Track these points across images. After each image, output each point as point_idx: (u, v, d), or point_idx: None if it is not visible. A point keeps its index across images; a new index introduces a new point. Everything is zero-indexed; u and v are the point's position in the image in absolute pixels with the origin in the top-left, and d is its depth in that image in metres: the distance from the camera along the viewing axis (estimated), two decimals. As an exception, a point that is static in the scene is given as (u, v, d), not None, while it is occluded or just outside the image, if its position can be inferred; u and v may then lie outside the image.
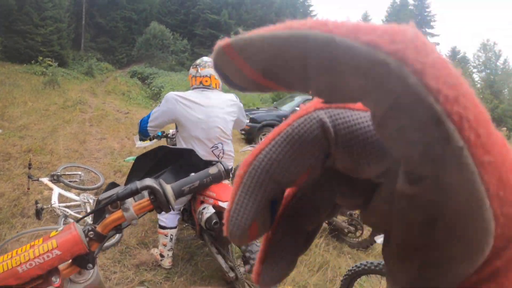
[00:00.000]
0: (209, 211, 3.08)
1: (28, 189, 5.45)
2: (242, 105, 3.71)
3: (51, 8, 28.96)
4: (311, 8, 57.85)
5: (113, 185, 1.17)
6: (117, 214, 1.03)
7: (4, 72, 19.17)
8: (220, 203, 2.95)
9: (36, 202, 4.53)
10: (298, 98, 13.64)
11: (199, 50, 41.74)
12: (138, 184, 1.03)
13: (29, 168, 5.43)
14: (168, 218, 3.51)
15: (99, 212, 1.10)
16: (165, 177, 1.31)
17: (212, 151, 3.34)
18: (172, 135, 4.05)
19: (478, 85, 34.66)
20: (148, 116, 3.44)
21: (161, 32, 37.12)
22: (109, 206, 1.05)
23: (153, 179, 1.06)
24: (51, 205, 4.74)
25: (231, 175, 1.84)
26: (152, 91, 24.43)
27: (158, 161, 1.36)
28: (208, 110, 3.19)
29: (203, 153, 3.20)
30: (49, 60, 22.29)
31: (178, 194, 1.09)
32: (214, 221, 3.03)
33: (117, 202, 1.06)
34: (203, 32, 42.96)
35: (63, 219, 4.51)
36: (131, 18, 41.81)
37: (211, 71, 3.19)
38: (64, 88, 18.65)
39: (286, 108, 13.08)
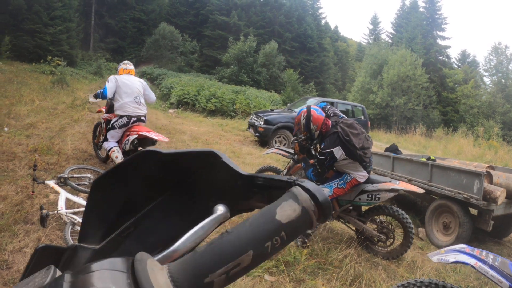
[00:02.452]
0: (132, 137, 5.93)
1: (33, 192, 5.09)
2: (146, 84, 6.59)
3: (60, 7, 28.91)
4: (320, 11, 57.60)
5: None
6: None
7: (13, 71, 19.01)
8: (142, 133, 5.87)
9: (41, 208, 4.16)
10: (312, 100, 13.36)
11: (208, 51, 41.58)
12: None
13: (34, 170, 5.02)
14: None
15: None
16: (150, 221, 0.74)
17: (135, 100, 6.08)
18: (110, 99, 6.20)
19: (489, 89, 34.21)
20: (105, 89, 5.94)
21: (171, 33, 36.97)
22: None
23: None
24: (57, 211, 4.38)
25: None
26: (162, 91, 24.25)
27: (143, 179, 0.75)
28: (131, 83, 6.15)
29: (130, 103, 6.02)
30: (58, 60, 22.13)
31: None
32: (135, 142, 5.97)
33: None
34: (212, 33, 42.72)
35: (70, 227, 4.16)
36: (140, 19, 41.71)
37: (132, 67, 6.49)
38: (72, 87, 18.45)
39: (299, 110, 12.72)
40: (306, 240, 4.65)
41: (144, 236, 0.71)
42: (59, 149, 7.58)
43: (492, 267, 2.36)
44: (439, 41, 41.23)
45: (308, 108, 4.62)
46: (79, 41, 33.33)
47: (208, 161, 0.68)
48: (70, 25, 30.14)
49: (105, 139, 6.41)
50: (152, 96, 6.60)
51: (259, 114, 12.36)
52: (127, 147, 5.99)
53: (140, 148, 6.00)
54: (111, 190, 0.70)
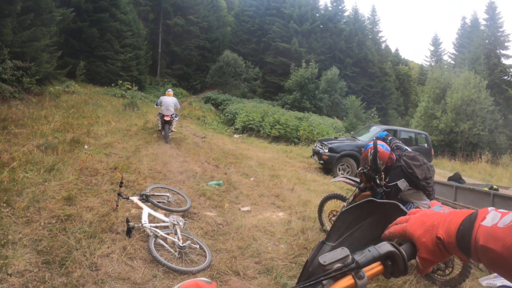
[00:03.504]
0: (162, 120, 12.99)
1: (117, 206, 5.51)
2: (176, 100, 13.23)
3: (130, 36, 30.54)
4: (380, 34, 56.94)
5: (322, 243, 1.13)
6: (348, 281, 0.89)
7: (87, 93, 20.13)
8: (165, 119, 12.74)
9: (127, 221, 4.55)
10: (375, 128, 13.30)
11: (270, 77, 42.10)
12: (380, 250, 0.92)
13: (120, 186, 5.50)
14: None
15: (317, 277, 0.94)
16: (360, 232, 1.17)
17: (166, 108, 12.59)
18: (156, 105, 13.62)
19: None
20: (157, 102, 13.45)
21: (234, 60, 37.77)
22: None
23: (389, 243, 0.94)
24: (141, 224, 4.80)
25: None
26: (226, 117, 24.65)
27: (361, 214, 1.20)
28: (166, 100, 12.89)
29: (164, 109, 12.63)
30: (129, 84, 23.24)
31: None
32: (164, 122, 12.95)
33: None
34: (274, 60, 43.28)
35: (153, 240, 4.52)
36: (205, 47, 43.07)
37: (171, 92, 13.68)
38: (143, 110, 19.21)
39: (363, 138, 12.66)
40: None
41: (355, 240, 1.11)
42: (136, 168, 7.83)
43: None
44: (503, 60, 38.90)
45: (375, 144, 4.80)
46: (148, 67, 34.87)
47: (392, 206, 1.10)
48: (139, 52, 31.72)
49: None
50: (178, 106, 13.43)
51: (324, 142, 12.42)
52: (160, 124, 12.81)
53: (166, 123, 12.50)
54: (347, 215, 1.17)
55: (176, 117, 12.90)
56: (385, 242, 0.96)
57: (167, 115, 12.40)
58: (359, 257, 0.91)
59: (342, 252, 0.91)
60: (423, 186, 4.41)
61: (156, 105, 13.35)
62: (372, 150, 4.77)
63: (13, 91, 11.99)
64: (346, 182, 6.08)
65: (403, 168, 4.44)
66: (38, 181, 5.80)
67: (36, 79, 13.95)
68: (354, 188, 5.85)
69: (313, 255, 1.07)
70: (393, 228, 0.98)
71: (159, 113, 12.73)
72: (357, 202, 1.21)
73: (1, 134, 7.95)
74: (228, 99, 31.33)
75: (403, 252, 0.92)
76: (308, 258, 1.05)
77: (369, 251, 0.92)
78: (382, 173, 4.94)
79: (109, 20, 28.32)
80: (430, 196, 4.59)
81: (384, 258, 0.92)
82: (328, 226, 6.07)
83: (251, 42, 46.92)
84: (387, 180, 4.64)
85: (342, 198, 5.96)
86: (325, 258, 0.90)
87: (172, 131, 12.69)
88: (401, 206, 1.07)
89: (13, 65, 12.06)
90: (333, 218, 5.86)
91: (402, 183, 4.43)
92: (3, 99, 11.44)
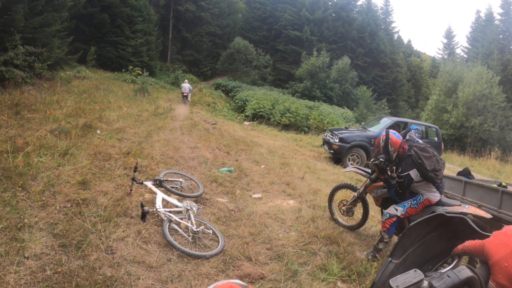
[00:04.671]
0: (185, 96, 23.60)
1: (131, 190, 5.54)
2: (190, 85, 23.65)
3: (141, 22, 30.70)
4: (393, 25, 56.29)
5: (389, 262, 1.13)
6: None
7: (98, 78, 20.27)
8: (185, 96, 23.12)
9: (142, 205, 4.67)
10: (386, 120, 13.21)
11: (281, 65, 41.95)
12: (460, 276, 0.88)
13: (135, 171, 5.57)
14: None
15: None
16: (424, 247, 1.18)
17: (183, 90, 22.72)
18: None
19: None
20: (180, 86, 24.11)
21: (245, 47, 37.66)
22: None
23: (468, 268, 0.89)
24: (156, 209, 4.84)
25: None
26: (236, 104, 24.65)
27: (427, 228, 1.19)
28: (184, 85, 23.06)
29: (183, 90, 22.81)
30: (139, 70, 23.27)
31: None
32: (184, 97, 23.08)
33: None
34: (285, 48, 43.15)
35: (167, 224, 4.57)
36: (216, 33, 42.98)
37: (186, 80, 25.46)
38: (153, 96, 19.27)
39: (374, 129, 12.55)
40: (377, 255, 4.82)
41: (418, 256, 1.10)
42: (149, 153, 7.89)
43: None
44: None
45: (387, 131, 4.84)
46: (158, 53, 34.96)
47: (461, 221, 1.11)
48: (149, 38, 31.86)
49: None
50: (192, 89, 23.80)
51: (334, 132, 12.38)
52: (182, 97, 21.81)
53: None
54: (413, 229, 1.15)
55: (189, 93, 22.99)
56: (463, 266, 0.90)
57: (185, 92, 22.52)
58: (438, 283, 0.86)
59: (415, 275, 0.87)
60: (431, 178, 4.44)
61: (180, 87, 24.32)
62: (384, 137, 4.81)
63: (25, 77, 12.07)
64: (357, 173, 6.06)
65: (413, 158, 4.48)
66: (52, 165, 5.86)
67: (48, 64, 14.05)
68: (364, 179, 5.91)
69: (380, 276, 1.02)
70: (469, 243, 0.93)
71: (181, 92, 23.02)
72: (426, 216, 1.20)
73: (14, 119, 8.01)
74: (238, 86, 31.36)
75: (481, 278, 0.88)
76: (375, 280, 1.01)
77: (448, 276, 0.88)
78: (394, 165, 4.98)
79: (120, 5, 28.45)
80: (439, 189, 4.62)
81: (462, 284, 0.86)
82: (338, 216, 6.19)
83: (262, 30, 46.70)
84: (399, 170, 4.65)
85: (353, 188, 5.97)
86: (397, 282, 0.85)
87: (188, 100, 22.71)
88: (470, 221, 1.05)
89: (25, 50, 12.13)
90: (344, 208, 5.91)
91: (414, 173, 4.46)
92: (15, 85, 11.53)
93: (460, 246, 0.96)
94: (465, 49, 49.80)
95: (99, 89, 16.40)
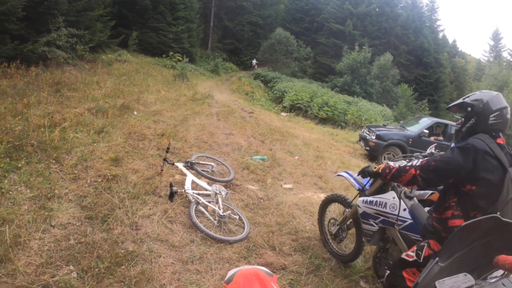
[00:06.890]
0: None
1: (162, 170, 5.55)
2: None
3: (183, 9, 31.11)
4: (438, 23, 54.41)
5: (435, 264, 1.07)
6: None
7: (138, 62, 20.58)
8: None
9: (171, 185, 4.73)
10: (425, 120, 12.91)
11: (322, 58, 41.48)
12: None
13: (167, 152, 5.65)
14: None
15: None
16: (473, 252, 1.08)
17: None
18: None
19: None
20: None
21: (286, 38, 37.47)
22: None
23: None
24: (184, 190, 4.87)
25: None
26: (275, 94, 24.58)
27: (479, 232, 1.09)
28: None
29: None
30: (179, 56, 23.48)
31: None
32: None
33: None
34: (326, 41, 42.62)
35: (194, 206, 4.58)
36: (257, 23, 42.94)
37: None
38: (192, 82, 19.39)
39: (412, 128, 12.20)
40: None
41: (465, 262, 1.01)
42: (183, 136, 7.94)
43: None
44: None
45: None
46: (199, 40, 35.22)
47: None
48: (191, 25, 32.17)
49: None
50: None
51: (372, 128, 12.12)
52: None
53: None
54: (464, 231, 1.08)
55: None
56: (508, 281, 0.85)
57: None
58: None
59: (465, 280, 0.83)
60: None
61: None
62: None
63: (67, 57, 12.33)
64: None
65: None
66: (87, 141, 5.94)
67: (90, 46, 14.40)
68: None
69: (424, 277, 0.99)
70: None
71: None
72: (479, 218, 1.11)
73: (54, 97, 8.18)
74: (278, 77, 31.18)
75: None
76: (418, 280, 0.97)
77: (503, 285, 0.85)
78: None
79: (162, -8, 28.61)
80: None
81: None
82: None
83: (304, 21, 46.30)
84: None
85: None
86: (445, 285, 0.83)
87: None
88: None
89: (67, 32, 12.37)
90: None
91: None
92: (57, 65, 11.79)
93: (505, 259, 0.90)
94: (512, 53, 47.70)
95: (139, 73, 16.63)
